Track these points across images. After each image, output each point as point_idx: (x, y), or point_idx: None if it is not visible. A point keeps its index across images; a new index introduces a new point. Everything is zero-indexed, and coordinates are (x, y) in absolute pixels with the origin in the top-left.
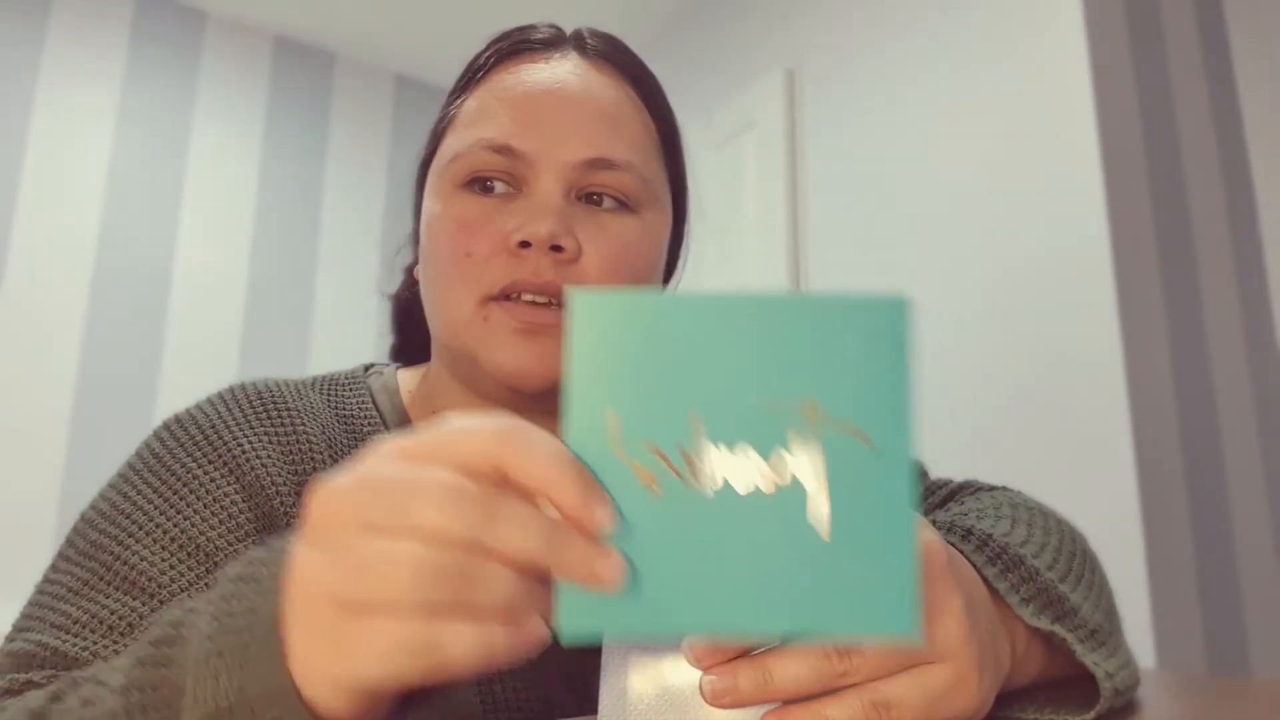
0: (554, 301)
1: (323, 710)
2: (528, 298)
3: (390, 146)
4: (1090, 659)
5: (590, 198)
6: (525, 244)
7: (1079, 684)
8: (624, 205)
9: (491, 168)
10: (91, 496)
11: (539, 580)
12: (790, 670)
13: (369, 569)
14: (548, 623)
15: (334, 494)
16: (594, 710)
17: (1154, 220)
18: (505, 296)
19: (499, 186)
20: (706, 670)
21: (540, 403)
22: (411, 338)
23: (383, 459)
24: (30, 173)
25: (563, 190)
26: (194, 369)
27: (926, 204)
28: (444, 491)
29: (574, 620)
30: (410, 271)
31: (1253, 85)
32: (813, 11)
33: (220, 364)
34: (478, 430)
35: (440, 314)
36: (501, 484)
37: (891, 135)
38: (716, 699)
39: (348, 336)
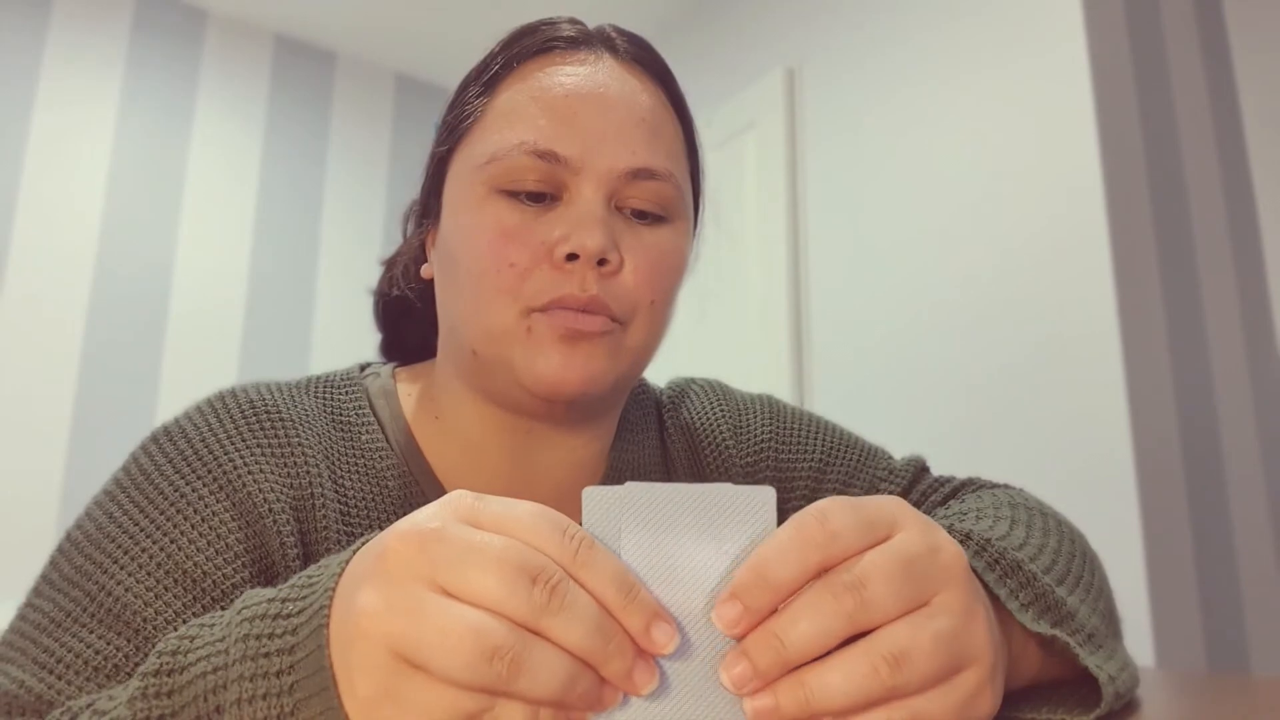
0: (595, 313)
1: None
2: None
3: (391, 146)
4: (1092, 661)
5: (629, 211)
6: (572, 256)
7: (1077, 685)
8: (660, 216)
9: (532, 173)
10: (93, 495)
11: (588, 669)
12: (834, 687)
13: (431, 630)
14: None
15: (408, 541)
16: None
17: (1154, 222)
18: (547, 308)
19: (538, 192)
20: (748, 695)
21: (566, 414)
22: (402, 335)
23: (458, 512)
24: (31, 172)
25: (605, 199)
26: (194, 369)
27: (926, 204)
28: (514, 568)
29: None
30: (400, 267)
31: (1253, 86)
32: (813, 12)
33: (220, 364)
34: (551, 532)
35: (472, 323)
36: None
37: (891, 135)
38: (760, 718)
39: (348, 336)
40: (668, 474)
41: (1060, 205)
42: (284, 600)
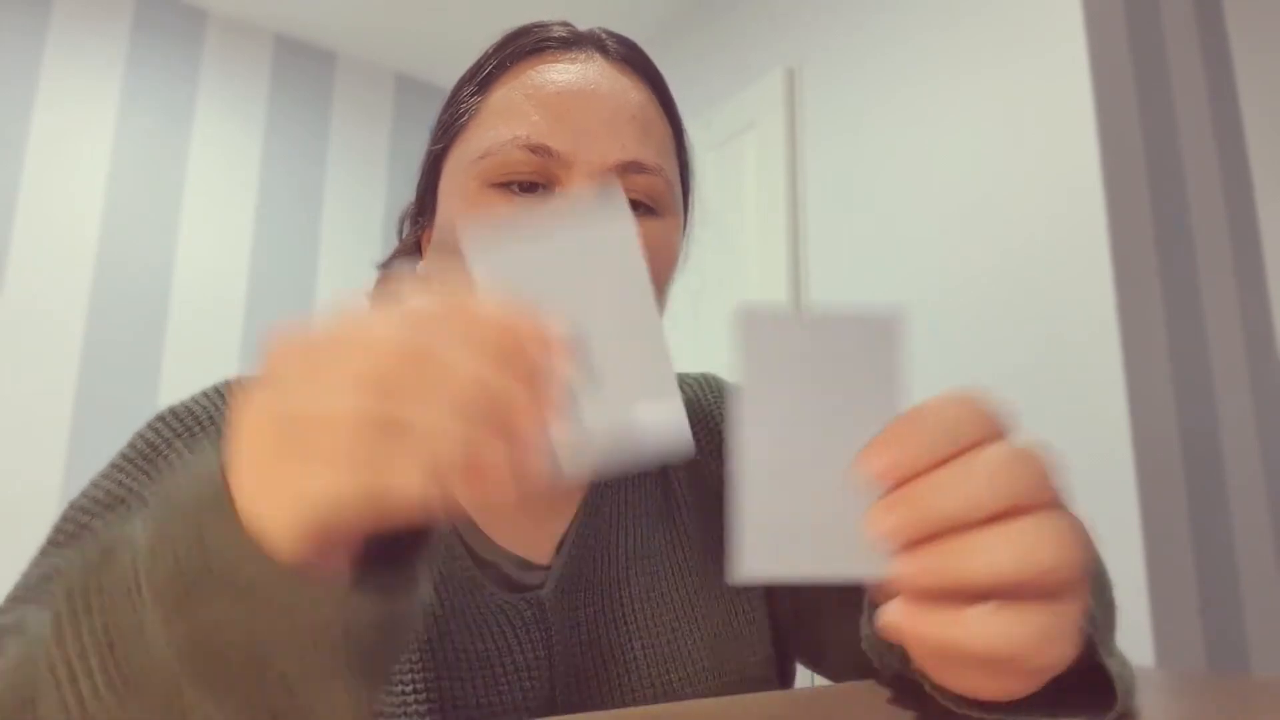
0: None
1: (281, 552)
2: None
3: (390, 145)
4: (1109, 663)
5: None
6: None
7: (1083, 686)
8: (651, 209)
9: (525, 167)
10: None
11: (502, 425)
12: (981, 555)
13: (311, 380)
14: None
15: (286, 339)
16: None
17: (1154, 222)
18: None
19: (530, 183)
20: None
21: None
22: None
23: (335, 310)
24: (31, 171)
25: None
26: (194, 368)
27: (926, 204)
28: (394, 314)
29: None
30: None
31: (1253, 85)
32: (813, 11)
33: (220, 364)
34: (427, 288)
35: None
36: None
37: (891, 135)
38: (907, 581)
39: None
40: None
41: (1060, 205)
42: (185, 464)
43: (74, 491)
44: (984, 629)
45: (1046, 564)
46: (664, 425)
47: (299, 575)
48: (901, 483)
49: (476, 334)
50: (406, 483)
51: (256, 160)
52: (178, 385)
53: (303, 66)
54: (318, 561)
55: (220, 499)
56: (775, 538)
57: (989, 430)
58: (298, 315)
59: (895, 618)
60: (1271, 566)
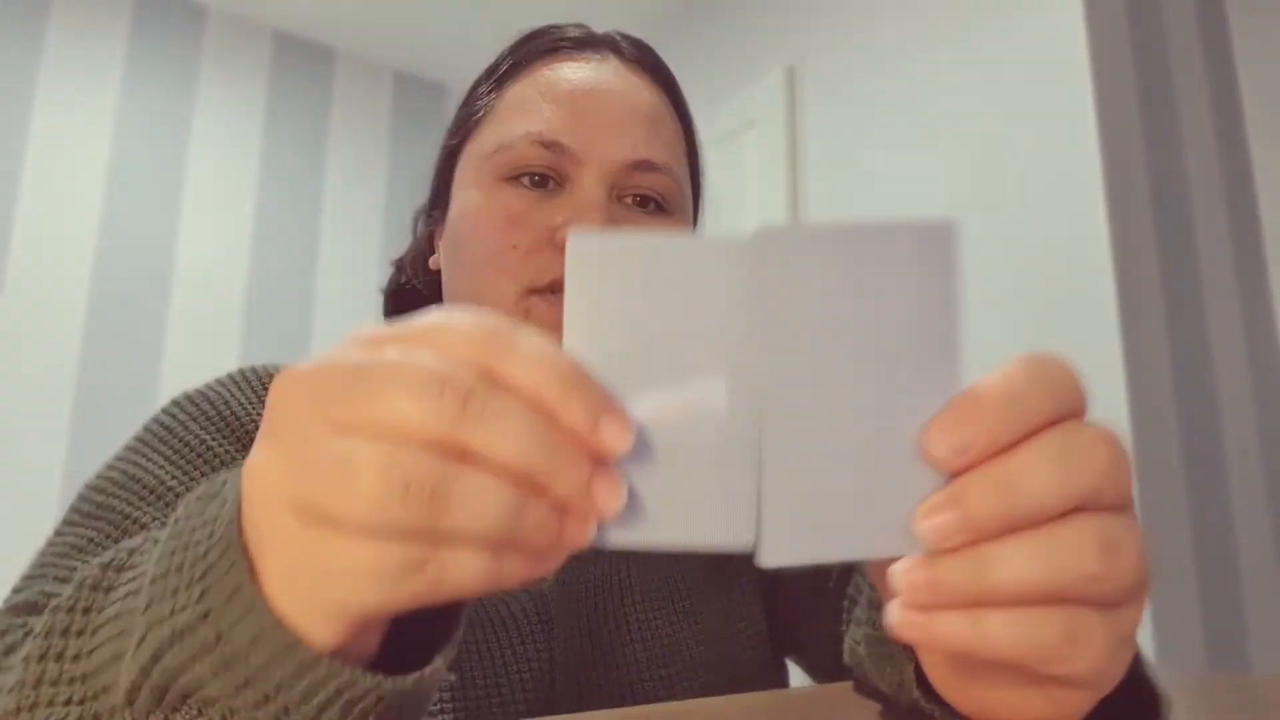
0: None
1: (306, 633)
2: None
3: (390, 143)
4: (1157, 683)
5: (629, 198)
6: None
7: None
8: (659, 208)
9: (538, 162)
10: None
11: (538, 494)
12: (1020, 560)
13: (325, 471)
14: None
15: (293, 381)
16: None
17: (1154, 220)
18: (547, 290)
19: (542, 177)
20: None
21: None
22: None
23: (354, 343)
24: (31, 169)
25: (606, 189)
26: (194, 367)
27: (926, 204)
28: (419, 376)
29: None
30: (409, 263)
31: (1254, 81)
32: (813, 11)
33: (220, 362)
34: (461, 323)
35: (474, 304)
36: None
37: (891, 135)
38: (913, 594)
39: (347, 332)
40: None
41: (1061, 204)
42: (208, 497)
43: (74, 485)
44: (1007, 629)
45: (1087, 573)
46: (728, 530)
47: (324, 665)
48: (961, 472)
49: (512, 414)
50: (460, 574)
51: (256, 156)
52: (177, 383)
53: (302, 63)
54: (347, 648)
55: (235, 570)
56: (800, 517)
57: (1064, 407)
58: (305, 352)
59: (905, 617)
60: (1272, 566)
